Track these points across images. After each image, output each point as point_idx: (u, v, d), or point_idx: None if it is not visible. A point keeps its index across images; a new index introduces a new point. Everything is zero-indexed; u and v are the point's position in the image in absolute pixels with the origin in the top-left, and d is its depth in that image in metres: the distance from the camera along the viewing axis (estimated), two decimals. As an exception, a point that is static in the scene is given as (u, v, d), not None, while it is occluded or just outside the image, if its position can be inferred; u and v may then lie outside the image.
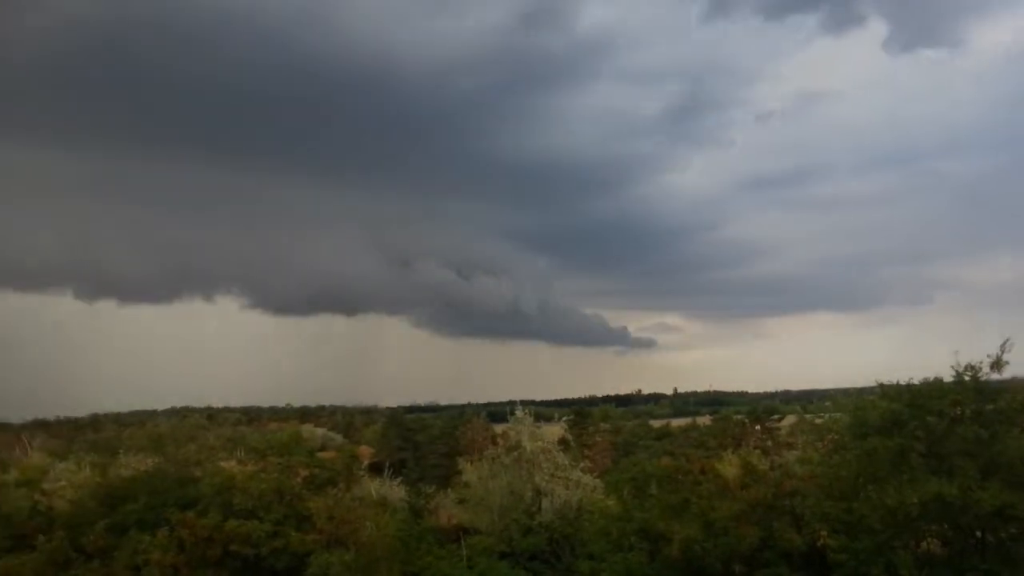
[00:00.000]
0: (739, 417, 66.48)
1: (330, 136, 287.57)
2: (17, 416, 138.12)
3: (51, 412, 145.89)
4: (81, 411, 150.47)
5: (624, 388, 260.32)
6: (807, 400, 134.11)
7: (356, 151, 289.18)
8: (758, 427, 59.76)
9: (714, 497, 28.65)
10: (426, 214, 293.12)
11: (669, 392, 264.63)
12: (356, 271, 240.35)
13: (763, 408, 65.70)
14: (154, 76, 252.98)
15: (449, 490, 43.80)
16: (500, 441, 50.82)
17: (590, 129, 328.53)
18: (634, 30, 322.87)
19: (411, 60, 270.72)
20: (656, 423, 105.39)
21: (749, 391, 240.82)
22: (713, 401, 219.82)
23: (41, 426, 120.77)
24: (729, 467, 33.39)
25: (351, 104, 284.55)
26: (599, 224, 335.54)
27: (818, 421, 56.65)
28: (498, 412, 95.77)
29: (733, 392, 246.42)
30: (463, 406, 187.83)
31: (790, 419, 63.68)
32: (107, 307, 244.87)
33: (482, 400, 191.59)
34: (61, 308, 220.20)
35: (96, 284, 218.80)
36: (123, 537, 30.77)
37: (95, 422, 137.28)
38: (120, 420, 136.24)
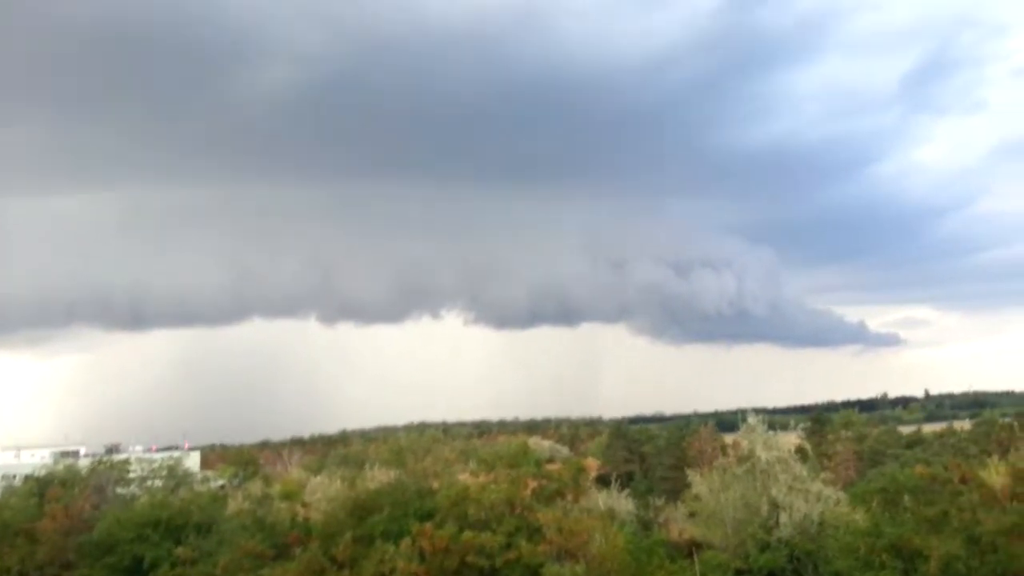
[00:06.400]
0: (1006, 420, 59.54)
1: (546, 142, 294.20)
2: (278, 434, 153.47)
3: (306, 430, 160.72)
4: (332, 428, 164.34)
5: (866, 391, 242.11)
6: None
7: (572, 155, 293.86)
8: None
9: (979, 509, 25.56)
10: (642, 213, 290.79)
11: (919, 394, 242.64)
12: (572, 277, 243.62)
13: (1034, 409, 58.19)
14: (382, 106, 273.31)
15: (679, 503, 42.61)
16: (731, 451, 48.89)
17: (817, 108, 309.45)
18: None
19: (625, 57, 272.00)
20: (906, 429, 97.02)
21: (1017, 390, 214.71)
22: (973, 403, 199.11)
23: (298, 443, 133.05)
24: (996, 475, 29.63)
25: (568, 108, 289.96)
26: (829, 212, 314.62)
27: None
28: (727, 421, 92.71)
29: (997, 392, 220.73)
30: (689, 416, 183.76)
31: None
32: (346, 329, 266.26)
33: (709, 409, 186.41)
34: (307, 332, 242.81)
35: (336, 308, 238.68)
36: (370, 547, 32.71)
37: (344, 438, 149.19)
38: (365, 435, 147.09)
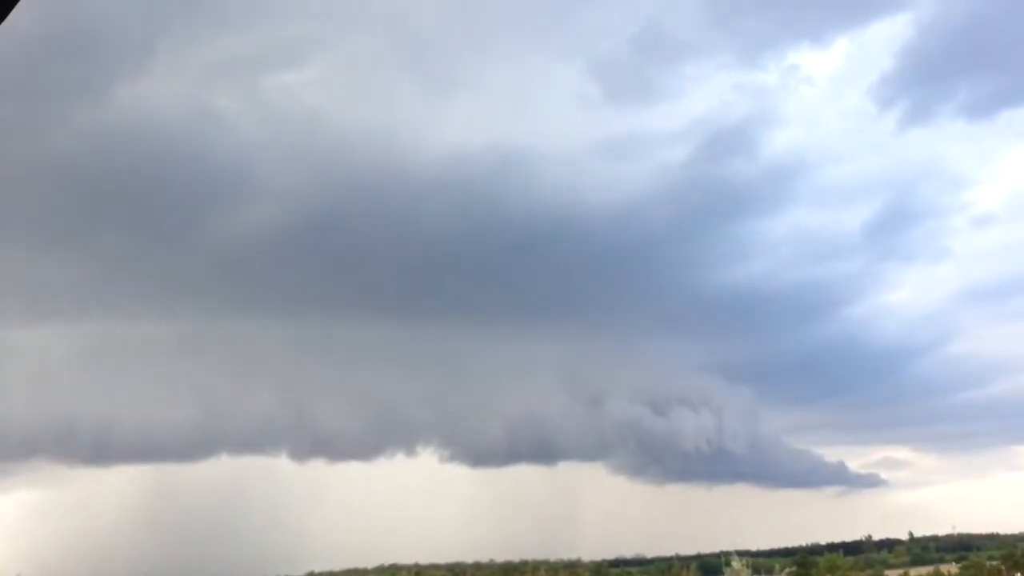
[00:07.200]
0: (993, 563, 58.29)
1: (523, 283, 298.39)
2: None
3: (272, 571, 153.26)
4: (299, 570, 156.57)
5: (850, 533, 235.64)
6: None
7: (548, 295, 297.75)
8: (1018, 574, 51.94)
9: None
10: (618, 352, 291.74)
11: (904, 536, 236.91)
12: (549, 415, 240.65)
13: (1022, 552, 57.14)
14: (361, 246, 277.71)
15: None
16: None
17: (789, 253, 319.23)
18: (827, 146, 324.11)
19: (601, 202, 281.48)
20: (892, 573, 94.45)
21: (1001, 532, 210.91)
22: (958, 545, 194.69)
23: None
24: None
25: (545, 250, 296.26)
26: (805, 352, 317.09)
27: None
28: (710, 563, 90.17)
29: (982, 534, 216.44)
30: (671, 558, 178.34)
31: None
32: (317, 466, 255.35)
33: (691, 550, 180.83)
34: (275, 469, 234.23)
35: (308, 443, 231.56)
36: None
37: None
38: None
